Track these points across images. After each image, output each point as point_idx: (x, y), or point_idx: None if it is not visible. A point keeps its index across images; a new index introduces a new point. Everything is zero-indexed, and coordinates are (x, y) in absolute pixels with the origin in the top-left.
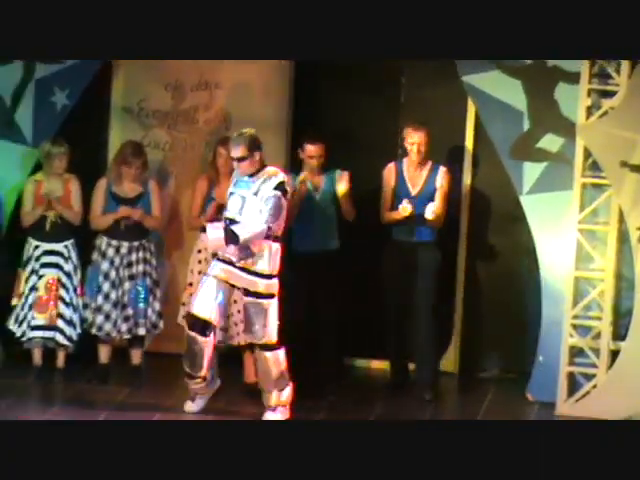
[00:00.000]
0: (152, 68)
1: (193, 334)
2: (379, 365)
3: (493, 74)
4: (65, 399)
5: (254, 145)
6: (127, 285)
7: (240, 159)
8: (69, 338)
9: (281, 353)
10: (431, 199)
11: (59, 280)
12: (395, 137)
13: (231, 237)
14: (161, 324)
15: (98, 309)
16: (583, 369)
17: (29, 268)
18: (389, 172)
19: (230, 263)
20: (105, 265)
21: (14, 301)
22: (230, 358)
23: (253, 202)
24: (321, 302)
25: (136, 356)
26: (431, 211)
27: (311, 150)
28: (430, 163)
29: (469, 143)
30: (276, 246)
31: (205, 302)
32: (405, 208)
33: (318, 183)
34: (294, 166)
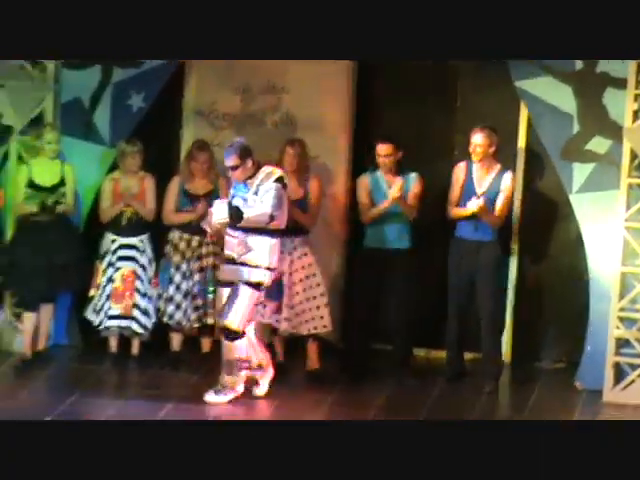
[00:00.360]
0: (222, 73)
1: (227, 342)
2: (436, 355)
3: (545, 80)
4: (139, 385)
5: (245, 153)
6: (197, 277)
7: (233, 168)
8: (144, 327)
9: (237, 344)
10: (494, 200)
11: (135, 272)
12: (451, 139)
13: (235, 214)
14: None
15: (170, 299)
16: (629, 359)
17: (106, 261)
18: (459, 170)
19: (232, 261)
20: (177, 257)
21: (92, 292)
22: (294, 347)
23: (253, 200)
24: (392, 299)
25: (206, 344)
26: (476, 204)
27: (381, 149)
28: (498, 166)
29: (522, 145)
30: (274, 241)
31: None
32: (472, 206)
33: (393, 182)
34: (356, 167)
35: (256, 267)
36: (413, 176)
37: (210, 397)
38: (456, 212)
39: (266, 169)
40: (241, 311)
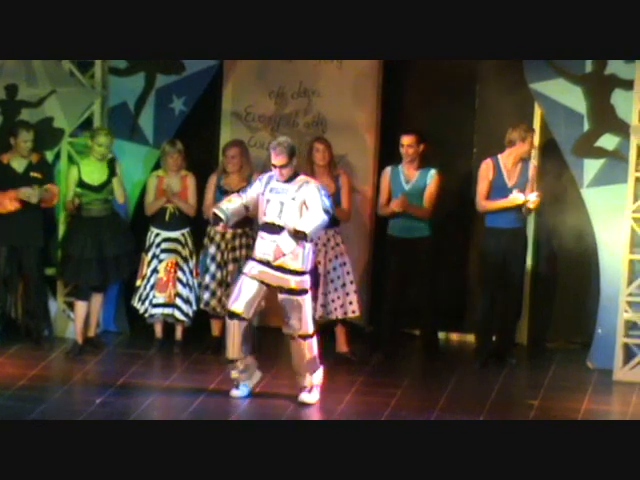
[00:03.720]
0: (258, 77)
1: (229, 321)
2: (457, 337)
3: (557, 81)
4: (183, 368)
5: (293, 153)
6: (231, 267)
7: (282, 166)
8: (186, 314)
9: (314, 341)
10: (523, 190)
11: (177, 263)
12: (470, 138)
13: (302, 237)
14: (263, 302)
15: (206, 287)
16: (637, 340)
17: (151, 253)
18: (487, 166)
19: (266, 263)
20: (212, 249)
21: (138, 282)
22: (325, 331)
23: (291, 206)
24: (416, 283)
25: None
26: (533, 200)
27: (404, 139)
28: (522, 159)
29: (536, 142)
30: (309, 246)
31: (242, 299)
32: (517, 198)
33: (411, 176)
34: (383, 164)
35: (296, 273)
36: (432, 173)
37: (306, 397)
38: (490, 204)
39: (303, 177)
40: (308, 317)
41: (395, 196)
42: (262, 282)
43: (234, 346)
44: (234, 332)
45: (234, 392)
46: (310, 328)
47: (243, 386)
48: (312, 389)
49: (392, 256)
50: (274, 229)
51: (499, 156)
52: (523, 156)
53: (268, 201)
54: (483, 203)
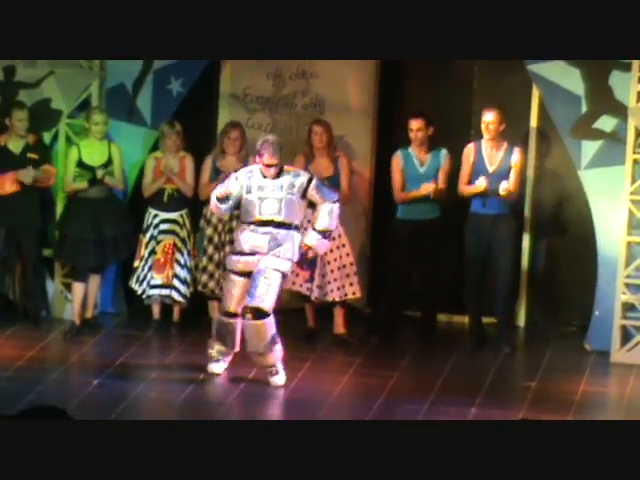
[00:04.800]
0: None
1: (225, 319)
2: (455, 319)
3: (555, 63)
4: (180, 349)
5: (280, 152)
6: (228, 248)
7: (271, 165)
8: (183, 295)
9: (271, 320)
10: (507, 176)
11: (175, 245)
12: (468, 120)
13: (327, 237)
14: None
15: (203, 269)
16: (634, 322)
17: (149, 234)
18: (469, 151)
19: (256, 253)
20: (209, 230)
21: (136, 263)
22: (322, 312)
23: (291, 198)
24: (422, 267)
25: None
26: (503, 188)
27: (413, 123)
28: (506, 144)
29: (534, 124)
30: (298, 236)
31: (230, 298)
32: (480, 184)
33: (424, 158)
34: (381, 145)
35: (285, 259)
36: (444, 153)
37: (279, 380)
38: (466, 190)
39: (289, 167)
40: (274, 296)
41: (410, 180)
42: (244, 273)
43: (234, 340)
44: (234, 329)
45: (213, 367)
46: (270, 306)
47: (224, 362)
48: (278, 369)
49: (400, 237)
50: (271, 224)
51: (482, 140)
52: (492, 137)
53: (261, 199)
54: (461, 188)
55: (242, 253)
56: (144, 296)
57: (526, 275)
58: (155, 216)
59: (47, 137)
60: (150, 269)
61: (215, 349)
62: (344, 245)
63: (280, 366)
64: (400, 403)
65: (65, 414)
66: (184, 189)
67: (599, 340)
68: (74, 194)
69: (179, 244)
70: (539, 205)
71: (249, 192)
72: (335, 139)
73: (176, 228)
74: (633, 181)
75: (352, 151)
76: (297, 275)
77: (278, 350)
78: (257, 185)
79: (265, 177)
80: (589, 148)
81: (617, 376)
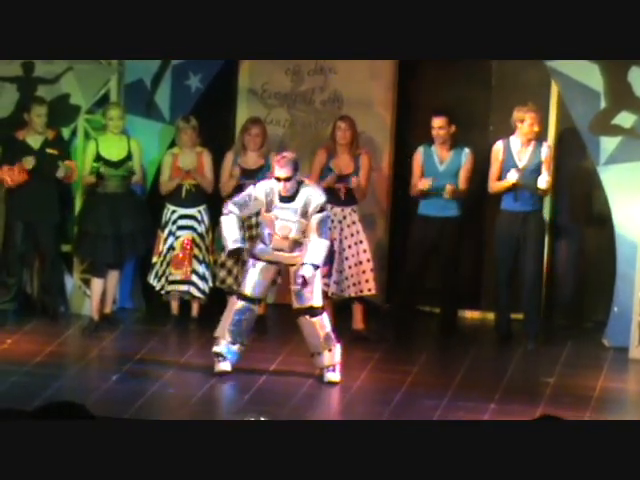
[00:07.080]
0: None
1: (242, 303)
2: (473, 315)
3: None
4: (199, 344)
5: (297, 167)
6: (247, 244)
7: (287, 179)
8: (202, 291)
9: (325, 317)
10: (537, 171)
11: (193, 240)
12: (486, 116)
13: (314, 269)
14: (279, 279)
15: (222, 265)
16: None
17: (167, 230)
18: (498, 148)
19: (280, 250)
20: None
21: (154, 259)
22: (341, 308)
23: (302, 224)
24: (441, 262)
25: (260, 307)
26: (545, 181)
27: (435, 122)
28: (534, 140)
29: (553, 120)
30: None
31: (252, 283)
32: (512, 177)
33: (445, 157)
34: (399, 141)
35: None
36: (467, 152)
37: (332, 376)
38: (496, 186)
39: (307, 188)
40: (319, 291)
41: (428, 176)
42: (273, 262)
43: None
44: (251, 317)
45: (221, 366)
46: (320, 301)
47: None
48: (335, 367)
49: (419, 234)
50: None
51: (511, 137)
52: (528, 137)
53: (277, 218)
54: (491, 185)
55: (266, 249)
56: (162, 292)
57: (545, 270)
58: (173, 212)
59: (66, 132)
60: (168, 265)
61: (222, 344)
62: (362, 241)
63: (336, 363)
64: (419, 398)
65: (84, 409)
66: (204, 185)
67: (618, 336)
68: (92, 189)
69: (197, 240)
70: (558, 200)
71: (268, 210)
72: (358, 136)
73: (194, 224)
74: None
75: (372, 147)
76: None
77: (338, 348)
78: (275, 204)
79: (282, 197)
80: (608, 144)
81: (635, 372)
